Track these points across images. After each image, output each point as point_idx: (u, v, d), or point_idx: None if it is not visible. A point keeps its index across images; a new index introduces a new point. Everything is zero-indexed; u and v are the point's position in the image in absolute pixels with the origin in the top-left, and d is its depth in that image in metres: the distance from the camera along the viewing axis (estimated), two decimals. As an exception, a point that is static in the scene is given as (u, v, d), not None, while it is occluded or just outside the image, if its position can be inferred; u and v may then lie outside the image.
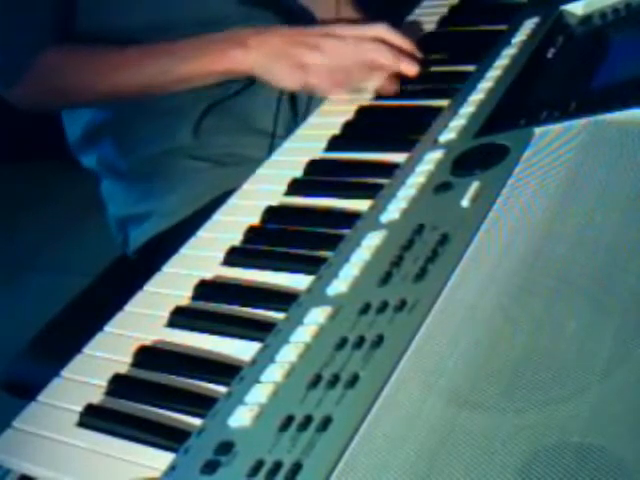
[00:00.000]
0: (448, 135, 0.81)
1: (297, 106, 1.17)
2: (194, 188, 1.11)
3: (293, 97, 1.16)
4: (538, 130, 0.73)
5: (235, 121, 1.13)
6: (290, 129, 1.02)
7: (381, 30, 0.99)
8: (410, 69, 0.98)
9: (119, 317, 0.72)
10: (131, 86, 1.03)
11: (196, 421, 0.58)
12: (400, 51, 0.98)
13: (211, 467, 0.52)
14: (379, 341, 0.56)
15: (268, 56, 0.97)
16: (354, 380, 0.54)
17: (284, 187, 0.85)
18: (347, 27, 1.00)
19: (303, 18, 1.22)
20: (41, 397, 0.64)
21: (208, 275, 0.74)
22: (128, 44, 1.03)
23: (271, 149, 1.06)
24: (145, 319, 0.71)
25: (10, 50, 1.03)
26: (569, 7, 1.00)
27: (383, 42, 0.97)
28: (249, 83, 1.10)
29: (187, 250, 0.79)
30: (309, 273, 0.69)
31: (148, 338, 0.68)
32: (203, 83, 1.03)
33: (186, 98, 1.07)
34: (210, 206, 0.90)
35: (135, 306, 0.73)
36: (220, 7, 1.09)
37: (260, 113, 1.13)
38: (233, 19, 1.08)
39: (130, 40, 1.04)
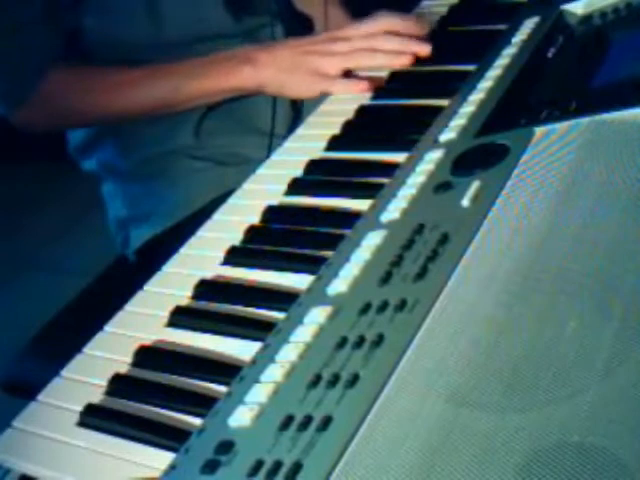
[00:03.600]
0: (448, 135, 0.81)
1: (297, 105, 1.18)
2: (194, 188, 1.11)
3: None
4: (538, 130, 0.73)
5: (235, 121, 1.13)
6: (290, 129, 1.02)
7: (385, 21, 0.99)
8: (422, 49, 0.99)
9: (119, 317, 0.72)
10: (139, 106, 1.03)
11: (196, 421, 0.58)
12: (409, 35, 0.99)
13: (211, 467, 0.52)
14: (379, 341, 0.56)
15: (281, 70, 0.97)
16: (354, 380, 0.54)
17: (284, 187, 0.85)
18: (351, 28, 1.00)
19: (301, 28, 1.22)
20: (41, 397, 0.64)
21: (208, 275, 0.74)
22: (129, 61, 1.03)
23: (271, 149, 1.06)
24: (145, 319, 0.71)
25: (15, 73, 1.03)
26: (569, 6, 1.00)
27: (390, 33, 0.98)
28: None
29: (187, 250, 0.79)
30: (309, 273, 0.69)
31: (148, 338, 0.68)
32: (212, 101, 1.04)
33: None
34: (210, 206, 0.90)
35: (135, 306, 0.73)
36: (219, 23, 1.09)
37: (260, 113, 1.13)
38: (232, 34, 1.08)
39: (131, 57, 1.03)
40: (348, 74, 1.00)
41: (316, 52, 0.97)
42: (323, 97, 1.01)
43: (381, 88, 1.00)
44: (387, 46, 0.98)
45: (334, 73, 0.97)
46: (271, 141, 1.10)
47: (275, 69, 0.97)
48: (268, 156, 1.01)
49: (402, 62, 0.98)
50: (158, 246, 1.11)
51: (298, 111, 1.18)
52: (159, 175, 1.13)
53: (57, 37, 1.03)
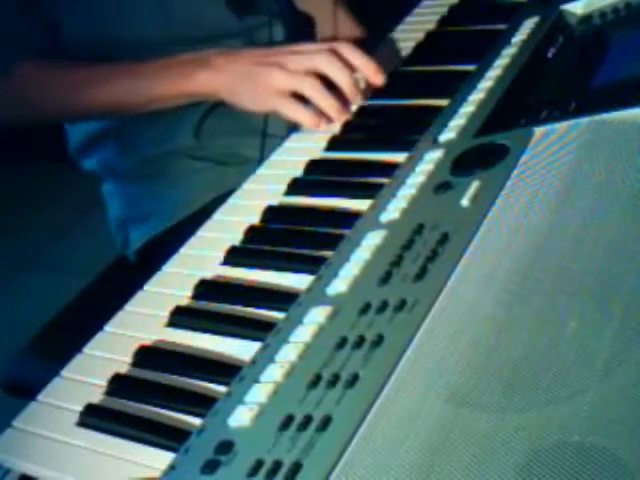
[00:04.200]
0: (448, 135, 0.81)
1: None
2: (195, 188, 1.11)
3: None
4: (538, 130, 0.73)
5: (236, 122, 1.13)
6: (291, 129, 1.02)
7: (339, 45, 0.95)
8: (355, 102, 0.95)
9: (119, 317, 0.72)
10: (95, 105, 1.02)
11: (196, 421, 0.58)
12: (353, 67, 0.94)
13: (211, 467, 0.52)
14: (379, 341, 0.56)
15: (235, 78, 0.94)
16: (354, 380, 0.54)
17: (284, 187, 0.85)
18: (311, 44, 0.97)
19: (303, 31, 1.21)
20: (41, 397, 0.64)
21: (208, 275, 0.74)
22: (122, 60, 1.02)
23: (264, 149, 1.06)
24: (145, 319, 0.71)
25: None
26: (569, 6, 1.00)
27: (338, 55, 0.94)
28: None
29: (187, 250, 0.79)
30: (309, 273, 0.69)
31: (148, 338, 0.68)
32: (169, 105, 1.01)
33: None
34: (210, 206, 0.90)
35: (135, 306, 0.73)
36: (219, 23, 1.08)
37: (261, 114, 1.13)
38: (232, 35, 1.08)
39: (130, 55, 1.03)
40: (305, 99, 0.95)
41: (269, 64, 0.93)
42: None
43: (381, 88, 1.00)
44: (338, 78, 0.93)
45: (285, 90, 0.92)
46: (264, 141, 1.10)
47: (229, 76, 0.94)
48: (261, 156, 1.01)
49: (338, 118, 0.94)
50: (158, 246, 1.11)
51: None
52: (159, 175, 1.13)
53: (32, 30, 1.02)
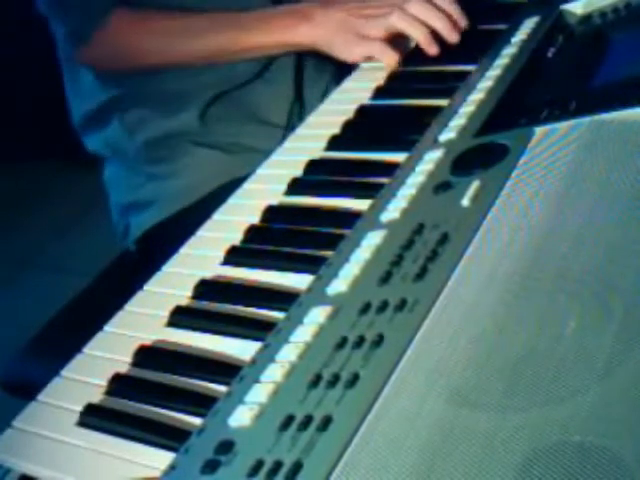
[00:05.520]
0: (448, 134, 0.81)
1: (304, 99, 1.18)
2: (199, 174, 1.12)
3: (299, 90, 1.17)
4: (538, 129, 0.73)
5: (242, 111, 1.14)
6: (295, 122, 1.03)
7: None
8: (452, 38, 1.03)
9: (119, 317, 0.72)
10: (197, 54, 1.07)
11: (196, 421, 0.58)
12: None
13: (211, 467, 0.52)
14: (379, 341, 0.56)
15: (331, 31, 1.02)
16: (354, 380, 0.54)
17: (284, 186, 0.85)
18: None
19: None
20: (41, 397, 0.64)
21: (208, 275, 0.74)
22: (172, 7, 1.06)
23: (275, 142, 1.06)
24: (145, 319, 0.71)
25: (83, 10, 1.06)
26: (569, 6, 1.00)
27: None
28: (257, 74, 1.11)
29: (187, 250, 0.79)
30: (309, 273, 0.69)
31: (148, 338, 0.68)
32: (265, 54, 1.09)
33: (190, 84, 1.09)
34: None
35: (135, 306, 0.73)
36: (253, 6, 1.09)
37: (267, 105, 1.14)
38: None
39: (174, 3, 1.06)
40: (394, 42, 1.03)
41: (362, 15, 1.02)
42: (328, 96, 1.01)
43: (381, 88, 1.01)
44: (432, 22, 1.02)
45: (374, 35, 1.01)
46: (281, 133, 1.11)
47: (327, 29, 1.02)
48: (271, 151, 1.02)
49: (431, 51, 1.02)
50: (159, 236, 1.11)
51: (302, 103, 1.19)
52: (163, 160, 1.13)
53: None
